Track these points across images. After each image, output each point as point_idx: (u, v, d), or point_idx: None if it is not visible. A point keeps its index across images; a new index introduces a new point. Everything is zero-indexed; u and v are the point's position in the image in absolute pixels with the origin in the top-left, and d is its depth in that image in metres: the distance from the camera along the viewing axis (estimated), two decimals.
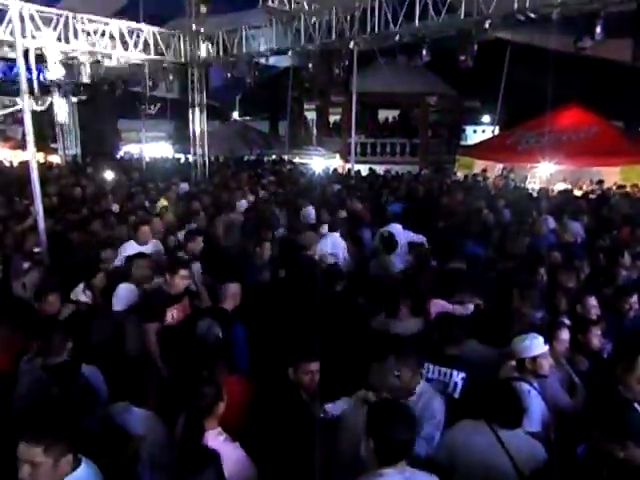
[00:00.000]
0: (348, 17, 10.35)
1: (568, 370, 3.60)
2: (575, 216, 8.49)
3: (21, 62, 6.33)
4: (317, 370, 3.17)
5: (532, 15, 7.78)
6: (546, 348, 3.43)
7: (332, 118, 27.56)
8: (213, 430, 2.73)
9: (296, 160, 22.13)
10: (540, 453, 2.88)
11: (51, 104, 17.79)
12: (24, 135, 19.76)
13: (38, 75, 15.27)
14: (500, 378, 3.47)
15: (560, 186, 14.11)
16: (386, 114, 25.28)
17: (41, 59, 11.60)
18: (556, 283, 4.67)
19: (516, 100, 21.64)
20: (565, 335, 3.65)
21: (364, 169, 17.26)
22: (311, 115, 29.51)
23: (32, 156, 6.74)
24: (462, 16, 8.29)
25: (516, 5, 7.72)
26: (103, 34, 11.74)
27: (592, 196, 11.53)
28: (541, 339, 3.45)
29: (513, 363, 3.48)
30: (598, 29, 7.09)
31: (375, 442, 2.35)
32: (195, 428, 2.60)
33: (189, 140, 15.69)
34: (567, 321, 3.96)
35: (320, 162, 21.31)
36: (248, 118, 31.14)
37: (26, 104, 6.43)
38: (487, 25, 8.17)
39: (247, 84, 14.27)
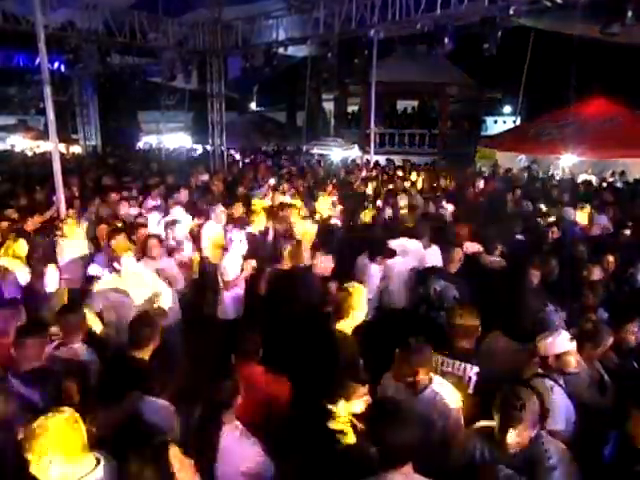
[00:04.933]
0: (368, 4, 10.16)
1: (598, 368, 3.49)
2: (601, 208, 8.29)
3: (43, 52, 6.35)
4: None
5: (559, 1, 7.52)
6: (572, 345, 3.34)
7: (350, 108, 27.37)
8: (230, 424, 2.69)
9: (314, 151, 22.02)
10: (566, 459, 2.78)
11: (72, 94, 17.98)
12: (46, 125, 20.10)
13: (59, 66, 15.44)
14: (524, 375, 3.38)
15: (583, 177, 13.82)
16: (405, 104, 25.00)
17: (62, 49, 11.68)
18: (583, 277, 4.55)
19: (538, 90, 21.26)
20: (610, 342, 3.55)
21: (382, 160, 17.10)
22: (329, 105, 29.34)
23: (55, 146, 6.79)
24: (486, 3, 8.07)
25: None
26: (123, 24, 11.72)
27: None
28: (566, 335, 3.35)
29: (537, 360, 3.39)
30: (629, 13, 6.81)
31: (376, 446, 2.30)
32: (212, 422, 2.57)
33: (207, 131, 15.71)
34: (605, 315, 3.86)
35: (338, 153, 21.17)
36: (265, 109, 31.12)
37: (48, 94, 6.46)
38: (512, 11, 7.93)
39: (265, 74, 14.21)
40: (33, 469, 2.10)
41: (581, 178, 13.61)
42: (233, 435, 2.63)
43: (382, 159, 17.25)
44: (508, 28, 8.49)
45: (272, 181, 11.25)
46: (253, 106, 31.88)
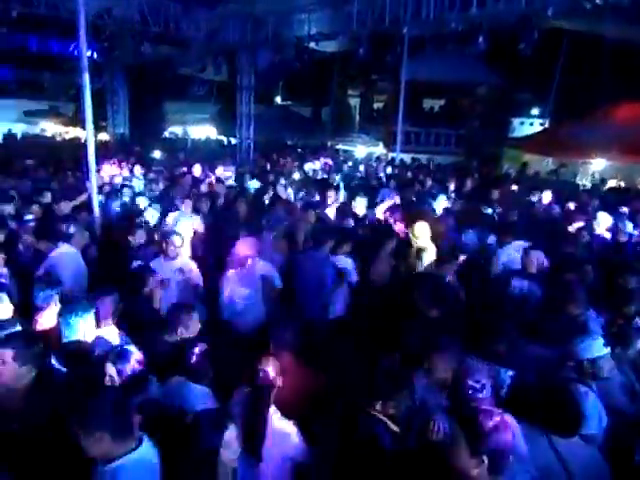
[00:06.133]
0: (402, 1, 10.09)
1: (630, 376, 3.46)
2: (631, 216, 8.13)
3: (83, 40, 6.45)
4: None
5: (599, 2, 7.37)
6: (607, 350, 3.32)
7: (376, 105, 27.26)
8: (270, 407, 2.77)
9: (339, 147, 22.03)
10: (598, 463, 2.78)
11: (104, 82, 18.30)
12: (76, 112, 20.35)
13: (92, 53, 15.66)
14: (557, 380, 3.36)
15: (612, 183, 13.56)
16: (431, 103, 24.79)
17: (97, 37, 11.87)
18: (617, 284, 4.50)
19: (568, 93, 20.87)
20: (638, 344, 3.52)
21: (407, 158, 17.04)
22: (354, 102, 29.27)
23: (90, 132, 6.89)
24: (523, 3, 7.95)
25: None
26: (157, 14, 11.86)
27: None
28: (601, 341, 3.33)
29: (572, 364, 3.37)
30: None
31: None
32: (263, 404, 2.63)
33: (233, 122, 15.80)
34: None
35: (363, 149, 21.16)
36: (290, 103, 31.14)
37: (86, 82, 6.55)
38: (549, 12, 7.80)
39: (293, 68, 14.22)
40: (83, 443, 2.17)
41: (610, 184, 13.36)
42: (274, 417, 2.69)
43: (407, 157, 17.19)
44: (544, 29, 8.38)
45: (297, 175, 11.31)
46: (278, 100, 31.91)
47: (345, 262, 5.23)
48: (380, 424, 2.80)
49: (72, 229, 5.26)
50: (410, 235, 5.92)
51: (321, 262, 5.10)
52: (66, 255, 4.98)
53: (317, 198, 8.50)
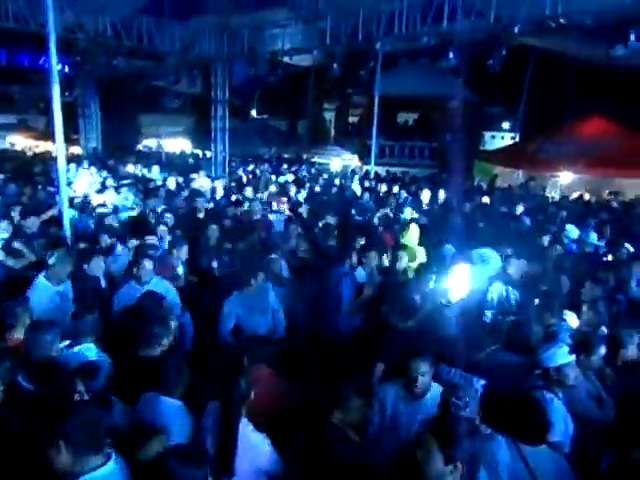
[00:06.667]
0: (375, 17, 10.28)
1: (596, 383, 3.55)
2: (597, 227, 8.39)
3: (54, 53, 6.38)
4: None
5: (563, 22, 7.66)
6: (572, 358, 3.40)
7: (351, 119, 27.59)
8: (243, 420, 2.75)
9: (314, 160, 22.18)
10: (565, 471, 2.83)
11: (76, 96, 18.07)
12: (47, 126, 20.06)
13: (63, 67, 15.48)
14: (524, 387, 3.42)
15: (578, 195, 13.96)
16: (405, 117, 25.21)
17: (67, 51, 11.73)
18: (583, 294, 4.63)
19: (537, 108, 21.51)
20: (602, 350, 3.61)
21: (382, 171, 17.29)
22: (329, 115, 29.61)
23: (61, 146, 6.79)
24: (492, 20, 8.21)
25: (548, 11, 7.61)
26: (130, 28, 11.79)
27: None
28: (566, 348, 3.41)
29: (538, 372, 3.45)
30: (632, 37, 6.96)
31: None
32: (234, 417, 2.62)
33: (208, 135, 15.76)
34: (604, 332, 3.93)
35: (338, 162, 21.34)
36: (266, 116, 31.26)
37: (56, 94, 6.48)
38: (516, 30, 8.08)
39: (268, 82, 14.30)
40: (49, 457, 2.14)
41: (577, 196, 13.74)
42: (246, 430, 2.67)
43: (382, 170, 17.42)
44: (512, 46, 8.66)
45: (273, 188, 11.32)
46: (254, 113, 31.98)
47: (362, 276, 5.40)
48: (339, 432, 2.83)
49: (51, 260, 4.75)
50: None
51: (343, 277, 5.25)
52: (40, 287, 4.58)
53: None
